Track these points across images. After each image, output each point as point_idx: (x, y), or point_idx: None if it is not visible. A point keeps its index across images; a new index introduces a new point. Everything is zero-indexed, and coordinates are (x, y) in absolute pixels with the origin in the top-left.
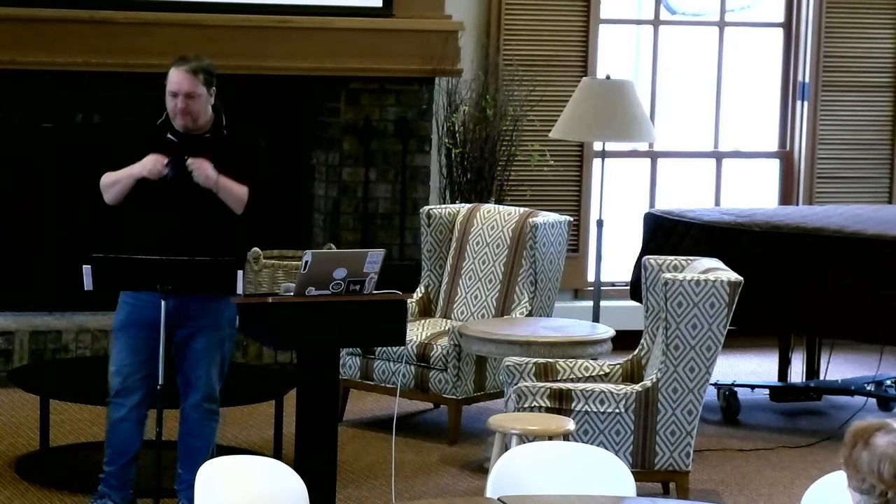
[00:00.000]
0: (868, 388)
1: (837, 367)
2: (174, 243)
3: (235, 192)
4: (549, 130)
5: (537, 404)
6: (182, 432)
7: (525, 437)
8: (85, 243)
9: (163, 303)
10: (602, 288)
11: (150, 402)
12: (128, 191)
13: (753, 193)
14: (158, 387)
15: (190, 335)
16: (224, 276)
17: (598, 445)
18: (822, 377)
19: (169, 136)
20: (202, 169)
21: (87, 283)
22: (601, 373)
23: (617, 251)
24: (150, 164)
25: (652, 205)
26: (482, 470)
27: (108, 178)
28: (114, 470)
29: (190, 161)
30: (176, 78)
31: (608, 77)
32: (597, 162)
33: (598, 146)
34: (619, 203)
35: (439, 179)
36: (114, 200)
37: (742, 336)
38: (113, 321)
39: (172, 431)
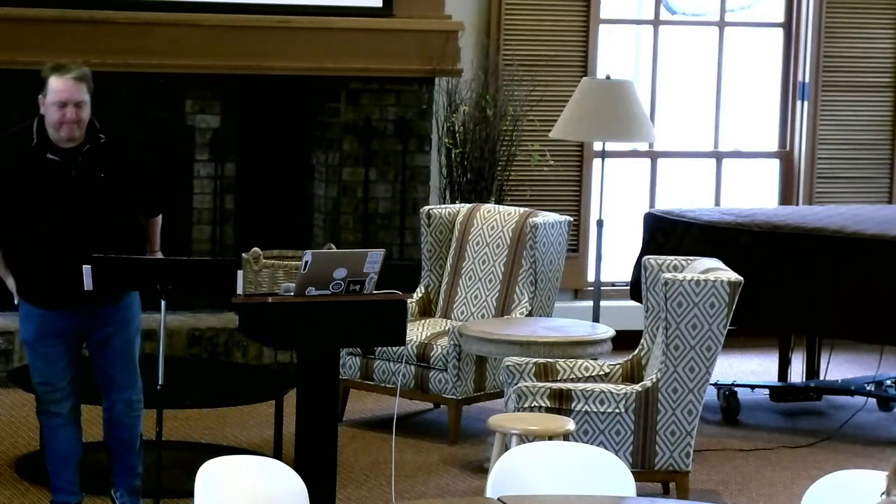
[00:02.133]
0: (868, 388)
1: (837, 367)
2: (75, 247)
3: (157, 233)
4: (549, 130)
5: (537, 404)
6: (109, 428)
7: (525, 437)
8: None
9: (162, 303)
10: (602, 288)
11: (80, 404)
12: None
13: (753, 193)
14: (158, 387)
15: (107, 336)
16: (224, 276)
17: (598, 445)
18: (822, 377)
19: (50, 156)
20: None
21: (87, 283)
22: (601, 373)
23: (617, 251)
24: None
25: (652, 205)
26: (482, 470)
27: None
28: (63, 476)
29: None
30: (63, 87)
31: (608, 77)
32: (597, 162)
33: (598, 146)
34: (619, 203)
35: (439, 179)
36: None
37: (742, 336)
38: (22, 331)
39: (171, 432)
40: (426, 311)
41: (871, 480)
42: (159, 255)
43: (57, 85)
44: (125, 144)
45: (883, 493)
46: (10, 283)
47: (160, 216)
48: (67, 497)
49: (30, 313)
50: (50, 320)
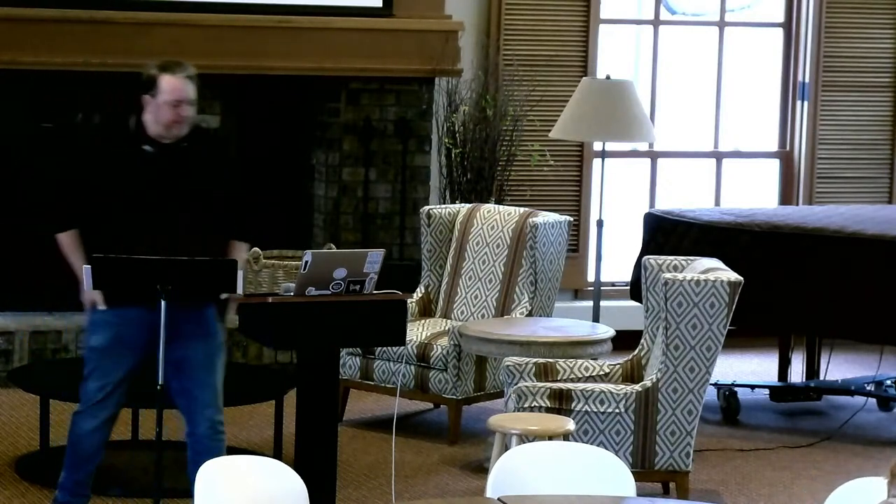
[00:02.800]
0: (868, 388)
1: (837, 367)
2: (178, 246)
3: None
4: (549, 130)
5: (537, 404)
6: (193, 454)
7: (525, 437)
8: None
9: (162, 303)
10: (602, 288)
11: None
12: None
13: (753, 193)
14: (158, 387)
15: (187, 350)
16: (224, 277)
17: (598, 445)
18: (822, 377)
19: (146, 147)
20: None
21: (87, 284)
22: (601, 373)
23: (617, 251)
24: (89, 300)
25: (652, 205)
26: (482, 470)
27: (65, 248)
28: (78, 478)
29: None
30: (178, 85)
31: (608, 77)
32: (597, 162)
33: (598, 146)
34: (619, 203)
35: (439, 179)
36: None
37: (742, 336)
38: (93, 337)
39: (172, 432)
40: (426, 311)
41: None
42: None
43: (170, 83)
44: (215, 151)
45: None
46: (85, 283)
47: (244, 247)
48: (71, 498)
49: (109, 322)
50: (126, 328)
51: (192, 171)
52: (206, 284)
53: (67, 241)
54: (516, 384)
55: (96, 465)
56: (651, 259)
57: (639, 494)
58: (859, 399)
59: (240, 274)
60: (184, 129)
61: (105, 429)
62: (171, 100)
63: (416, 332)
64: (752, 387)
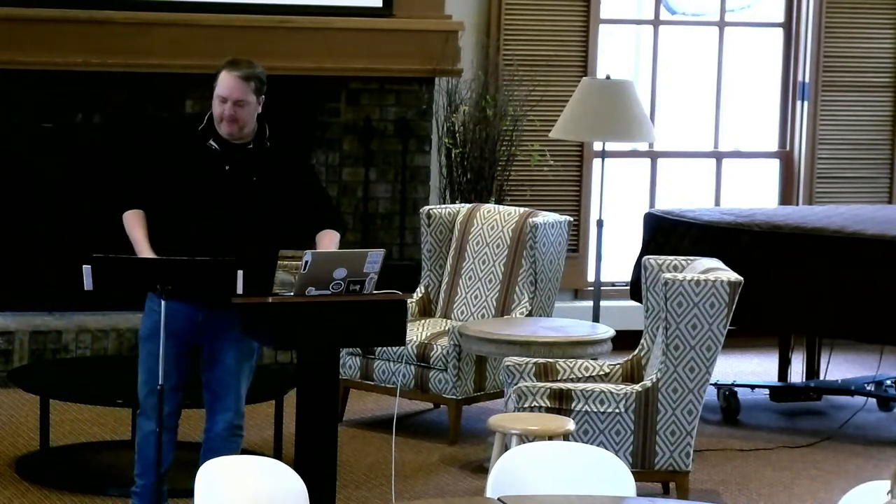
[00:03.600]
0: (868, 388)
1: (837, 367)
2: (224, 247)
3: (333, 247)
4: (549, 130)
5: (537, 404)
6: (205, 450)
7: (525, 437)
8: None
9: (162, 303)
10: (602, 288)
11: (180, 411)
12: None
13: (753, 193)
14: (158, 387)
15: (218, 349)
16: (224, 276)
17: (598, 445)
18: (822, 377)
19: (211, 142)
20: None
21: (87, 283)
22: (601, 373)
23: (617, 251)
24: None
25: (652, 205)
26: (482, 470)
27: (129, 228)
28: (147, 483)
29: None
30: (228, 83)
31: (608, 77)
32: (597, 162)
33: (598, 146)
34: (619, 203)
35: (439, 179)
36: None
37: (742, 336)
38: (142, 326)
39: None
40: (426, 311)
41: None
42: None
43: (223, 80)
44: (288, 156)
45: (888, 493)
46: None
47: (336, 234)
48: (149, 502)
49: (151, 309)
50: (168, 319)
51: (253, 174)
52: (206, 284)
53: (131, 217)
54: (516, 384)
55: (165, 469)
56: (651, 259)
57: (639, 494)
58: (859, 399)
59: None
60: (234, 130)
61: (166, 429)
62: (218, 95)
63: (416, 332)
64: (752, 387)
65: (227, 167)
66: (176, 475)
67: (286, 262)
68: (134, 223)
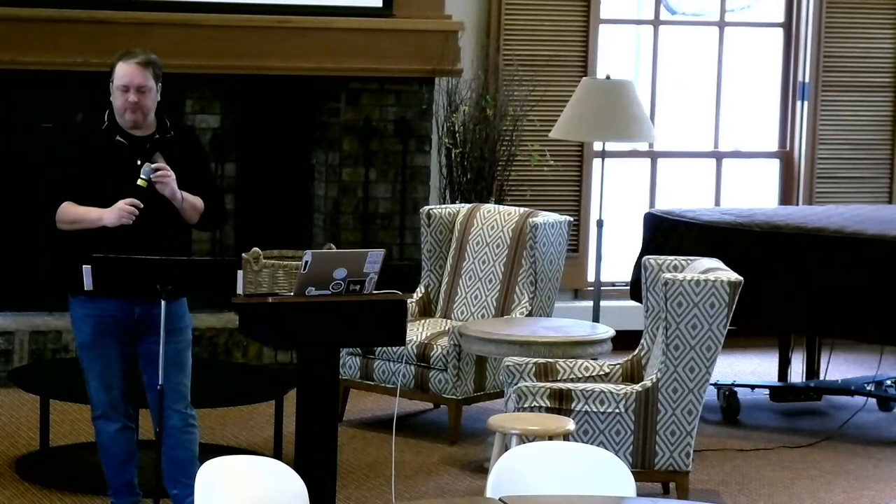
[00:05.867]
0: (868, 388)
1: (837, 367)
2: (149, 240)
3: (195, 203)
4: (549, 130)
5: (537, 404)
6: (166, 449)
7: (525, 437)
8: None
9: (163, 303)
10: (602, 288)
11: (135, 409)
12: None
13: (753, 193)
14: (158, 387)
15: (155, 344)
16: (224, 276)
17: (598, 445)
18: (822, 377)
19: (118, 138)
20: (169, 183)
21: (87, 283)
22: (601, 373)
23: (617, 251)
24: (120, 215)
25: (652, 205)
26: (482, 470)
27: (67, 215)
28: (125, 478)
29: (158, 173)
30: (127, 71)
31: (608, 77)
32: (597, 162)
33: (598, 146)
34: (619, 203)
35: (439, 179)
36: (67, 231)
37: (742, 336)
38: (78, 333)
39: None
40: (426, 311)
41: None
42: None
43: (120, 69)
44: (193, 143)
45: None
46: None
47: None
48: (128, 498)
49: (85, 315)
50: (104, 320)
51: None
52: (206, 284)
53: (64, 206)
54: (516, 384)
55: (135, 464)
56: (651, 259)
57: (639, 494)
58: (859, 399)
59: (240, 274)
60: (139, 117)
61: (128, 426)
62: (120, 85)
63: (416, 332)
64: (752, 387)
65: (138, 161)
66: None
67: (286, 263)
68: (68, 206)
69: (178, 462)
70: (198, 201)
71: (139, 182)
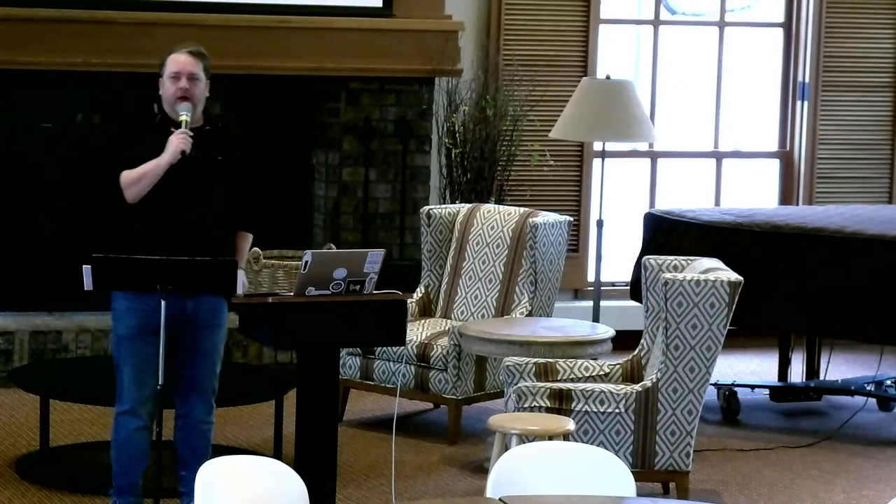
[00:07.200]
0: (868, 388)
1: (837, 367)
2: (197, 230)
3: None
4: (549, 130)
5: (537, 404)
6: (184, 435)
7: (525, 437)
8: (86, 243)
9: (163, 303)
10: (602, 288)
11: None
12: (154, 183)
13: (753, 193)
14: (158, 386)
15: (196, 336)
16: (224, 276)
17: (598, 445)
18: (822, 377)
19: (172, 129)
20: (183, 143)
21: (87, 283)
22: (601, 373)
23: (617, 251)
24: (179, 145)
25: (652, 205)
26: (482, 470)
27: (131, 176)
28: (132, 479)
29: (183, 130)
30: (179, 59)
31: (608, 77)
32: (597, 162)
33: (598, 146)
34: (619, 203)
35: (439, 179)
36: (137, 197)
37: (742, 336)
38: (118, 325)
39: (172, 432)
40: (426, 311)
41: None
42: (241, 274)
43: (173, 58)
44: (238, 141)
45: None
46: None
47: (250, 236)
48: (131, 499)
49: (131, 309)
50: (151, 315)
51: (216, 153)
52: (206, 284)
53: (124, 173)
54: (516, 384)
55: (144, 467)
56: (651, 259)
57: (639, 494)
58: (859, 399)
59: (240, 274)
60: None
61: (147, 427)
62: (172, 72)
63: (416, 332)
64: (752, 387)
65: (192, 151)
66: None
67: (286, 263)
68: (126, 172)
69: (193, 448)
70: (244, 245)
71: (181, 117)
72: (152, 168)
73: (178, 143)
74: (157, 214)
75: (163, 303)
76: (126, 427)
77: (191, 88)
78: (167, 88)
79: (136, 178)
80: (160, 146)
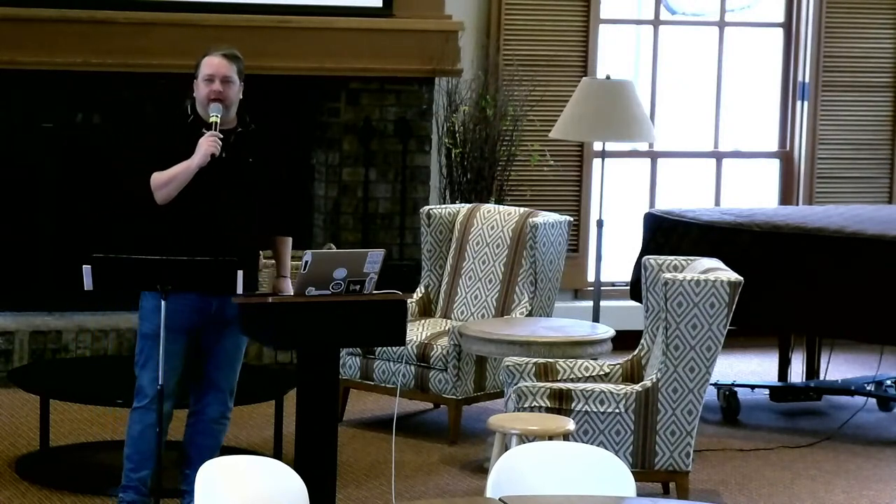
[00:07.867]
0: (868, 388)
1: (837, 367)
2: (228, 231)
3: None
4: (549, 130)
5: (537, 404)
6: (194, 433)
7: (525, 437)
8: (86, 243)
9: (163, 303)
10: (602, 288)
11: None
12: (184, 185)
13: (753, 193)
14: (158, 386)
15: (220, 335)
16: (224, 276)
17: (598, 445)
18: (822, 377)
19: (204, 131)
20: (213, 146)
21: (87, 283)
22: (601, 373)
23: (617, 251)
24: (209, 148)
25: (652, 205)
26: (482, 470)
27: (161, 178)
28: (141, 476)
29: (213, 133)
30: (213, 62)
31: (608, 77)
32: (597, 162)
33: (598, 146)
34: (619, 203)
35: (439, 179)
36: (168, 199)
37: (742, 336)
38: (145, 323)
39: (172, 432)
40: (426, 311)
41: None
42: (287, 283)
43: (207, 61)
44: (275, 141)
45: None
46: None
47: (290, 239)
48: (136, 497)
49: (158, 307)
50: (178, 315)
51: (248, 155)
52: (206, 284)
53: (154, 175)
54: (516, 384)
55: (154, 466)
56: (651, 259)
57: (639, 494)
58: (859, 399)
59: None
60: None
61: (165, 424)
62: (206, 74)
63: (416, 332)
64: (752, 387)
65: (223, 153)
66: (176, 475)
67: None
68: (156, 175)
69: (201, 448)
70: (284, 251)
71: (212, 118)
72: (183, 170)
73: (207, 146)
74: (186, 216)
75: (163, 303)
76: (140, 422)
77: (224, 91)
78: (201, 90)
79: (167, 181)
80: (192, 147)
